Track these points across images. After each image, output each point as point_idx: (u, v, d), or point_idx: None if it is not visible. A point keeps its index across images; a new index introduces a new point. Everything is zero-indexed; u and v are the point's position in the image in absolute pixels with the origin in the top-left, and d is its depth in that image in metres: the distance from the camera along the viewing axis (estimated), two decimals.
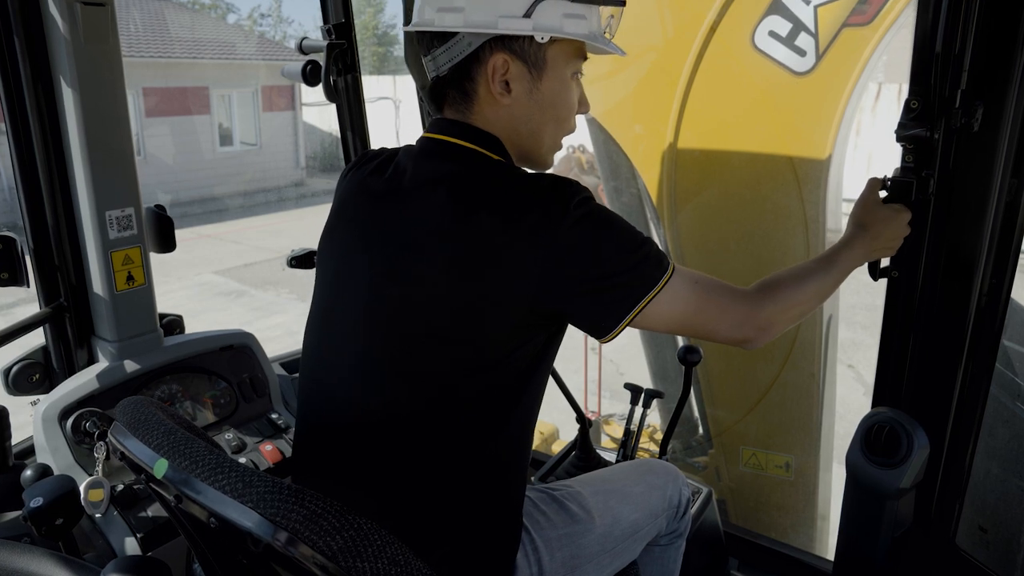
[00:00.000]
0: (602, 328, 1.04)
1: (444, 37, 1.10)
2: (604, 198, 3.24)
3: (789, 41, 2.34)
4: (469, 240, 1.01)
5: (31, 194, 1.67)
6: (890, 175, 1.38)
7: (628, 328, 1.07)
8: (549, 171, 1.20)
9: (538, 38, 1.08)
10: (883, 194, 1.37)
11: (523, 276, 1.00)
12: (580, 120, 1.26)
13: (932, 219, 1.35)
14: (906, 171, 1.35)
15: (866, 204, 1.33)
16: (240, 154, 16.11)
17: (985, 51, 1.21)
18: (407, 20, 1.99)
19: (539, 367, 1.10)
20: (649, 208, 2.94)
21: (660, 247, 1.08)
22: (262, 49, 19.06)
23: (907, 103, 1.30)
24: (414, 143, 1.20)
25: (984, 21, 1.19)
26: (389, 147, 1.28)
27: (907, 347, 1.46)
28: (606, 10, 1.15)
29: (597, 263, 1.01)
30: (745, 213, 2.63)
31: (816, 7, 2.28)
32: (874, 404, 1.56)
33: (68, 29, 1.52)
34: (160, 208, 1.83)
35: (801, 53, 2.34)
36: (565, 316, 1.06)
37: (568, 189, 1.02)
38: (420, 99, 2.13)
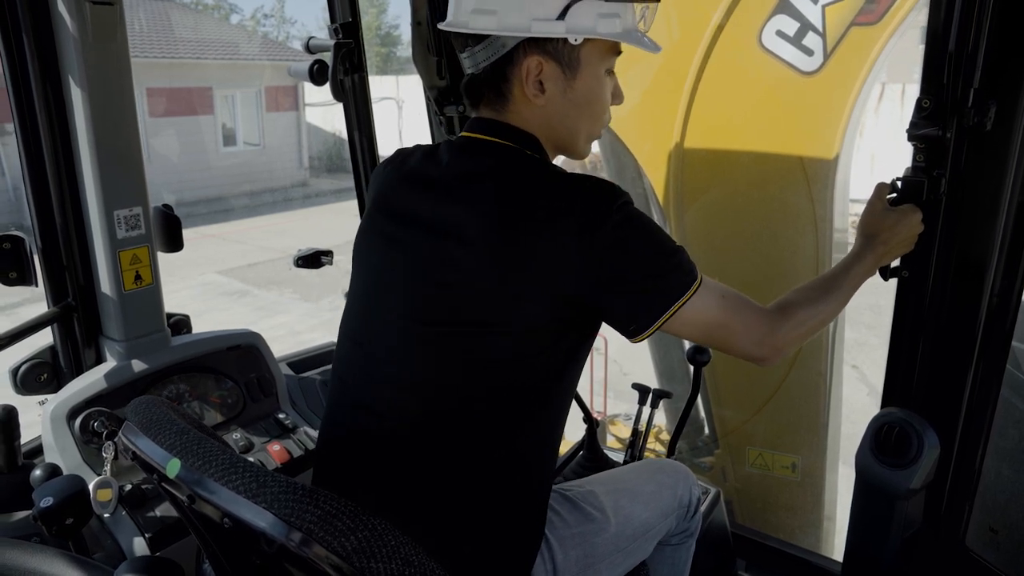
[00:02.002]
0: (635, 329, 1.08)
1: (479, 37, 1.12)
2: None
3: (796, 40, 2.34)
4: (513, 235, 1.03)
5: (39, 193, 1.66)
6: (900, 176, 1.37)
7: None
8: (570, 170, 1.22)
9: (572, 40, 1.10)
10: (893, 196, 1.37)
11: (563, 273, 1.02)
12: None
13: (943, 219, 1.34)
14: (917, 171, 1.34)
15: (873, 211, 1.33)
16: (243, 154, 16.12)
17: (998, 49, 1.20)
18: (415, 19, 1.98)
19: (571, 367, 1.13)
20: (655, 208, 2.93)
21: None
22: (265, 49, 19.08)
23: (919, 102, 1.29)
24: (453, 140, 1.22)
25: (997, 19, 1.18)
26: (424, 144, 1.30)
27: (917, 347, 1.45)
28: (640, 5, 1.17)
29: (635, 265, 1.04)
30: (752, 213, 2.62)
31: (824, 6, 2.28)
32: (884, 404, 1.55)
33: (77, 28, 1.52)
34: (167, 207, 1.83)
35: (809, 53, 2.34)
36: (600, 314, 1.09)
37: (610, 192, 1.05)
38: (427, 99, 2.13)
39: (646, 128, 2.78)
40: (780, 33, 2.34)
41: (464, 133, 1.20)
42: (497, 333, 1.05)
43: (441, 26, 1.19)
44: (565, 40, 1.10)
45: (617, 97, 1.23)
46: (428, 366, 1.10)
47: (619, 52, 1.19)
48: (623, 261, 1.04)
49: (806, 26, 2.31)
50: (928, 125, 1.29)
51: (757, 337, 1.12)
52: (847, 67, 2.31)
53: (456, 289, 1.07)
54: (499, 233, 1.05)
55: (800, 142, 2.46)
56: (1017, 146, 1.24)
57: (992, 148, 1.26)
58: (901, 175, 1.36)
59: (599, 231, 1.01)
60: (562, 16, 1.08)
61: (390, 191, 1.22)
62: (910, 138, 1.32)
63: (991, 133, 1.24)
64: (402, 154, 1.27)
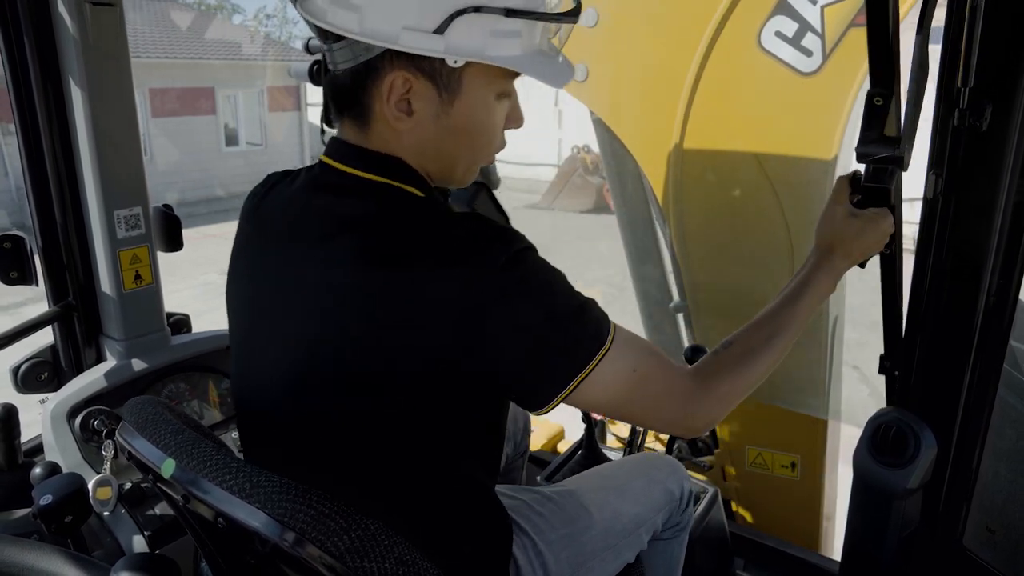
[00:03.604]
0: (535, 400, 0.90)
1: (338, 34, 0.90)
2: (609, 199, 3.24)
3: (795, 41, 2.33)
4: (391, 290, 0.85)
5: (40, 194, 1.68)
6: (863, 172, 1.17)
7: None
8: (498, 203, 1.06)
9: (450, 62, 0.88)
10: (858, 198, 1.18)
11: (449, 332, 0.84)
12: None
13: (939, 218, 1.34)
14: (879, 174, 1.14)
15: (833, 218, 1.14)
16: (245, 154, 16.15)
17: (993, 49, 1.20)
18: None
19: (481, 424, 1.01)
20: (654, 208, 2.94)
21: (601, 310, 0.94)
22: (267, 50, 19.11)
23: (869, 96, 1.06)
24: (315, 169, 1.01)
25: (992, 19, 1.18)
26: (292, 169, 1.11)
27: (914, 347, 1.45)
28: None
29: (532, 326, 0.86)
30: (752, 214, 2.62)
31: (823, 7, 2.27)
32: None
33: (77, 30, 1.53)
34: (167, 207, 1.84)
35: (807, 53, 2.33)
36: (495, 379, 0.90)
37: (504, 239, 0.87)
38: None
39: (645, 129, 2.78)
40: (779, 34, 2.34)
41: (324, 158, 0.99)
42: (386, 396, 0.90)
43: (296, 9, 0.95)
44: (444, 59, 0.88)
45: (514, 121, 1.01)
46: (324, 421, 0.95)
47: (517, 74, 0.96)
48: (519, 322, 0.85)
49: (805, 27, 2.30)
50: (882, 148, 1.05)
51: (669, 418, 0.99)
52: (846, 68, 2.30)
53: (336, 353, 0.90)
54: (375, 292, 0.86)
55: (798, 143, 2.46)
56: (1013, 146, 1.24)
57: (988, 149, 1.25)
58: (864, 171, 1.17)
59: (489, 286, 0.84)
60: (440, 31, 0.85)
61: (250, 238, 1.06)
62: (859, 159, 1.11)
63: (987, 134, 1.23)
64: (267, 183, 1.10)
